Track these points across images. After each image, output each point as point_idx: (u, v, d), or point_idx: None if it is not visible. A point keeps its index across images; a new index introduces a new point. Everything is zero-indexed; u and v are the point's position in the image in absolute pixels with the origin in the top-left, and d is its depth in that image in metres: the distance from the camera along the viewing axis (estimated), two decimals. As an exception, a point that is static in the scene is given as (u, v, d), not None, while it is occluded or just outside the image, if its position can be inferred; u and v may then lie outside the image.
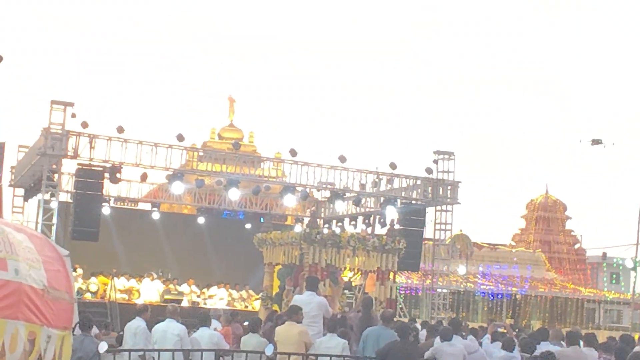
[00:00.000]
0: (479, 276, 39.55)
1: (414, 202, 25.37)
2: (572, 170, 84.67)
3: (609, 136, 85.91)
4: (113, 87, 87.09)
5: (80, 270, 25.41)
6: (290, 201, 24.48)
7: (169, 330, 12.56)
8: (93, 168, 22.07)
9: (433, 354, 12.61)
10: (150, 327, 12.99)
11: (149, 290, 25.70)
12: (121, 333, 14.04)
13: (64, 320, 5.23)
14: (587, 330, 23.14)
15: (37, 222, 23.24)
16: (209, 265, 28.73)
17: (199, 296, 26.69)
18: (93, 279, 25.75)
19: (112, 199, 28.07)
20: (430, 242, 28.27)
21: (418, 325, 17.30)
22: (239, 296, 27.09)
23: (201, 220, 29.55)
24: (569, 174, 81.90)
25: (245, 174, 25.08)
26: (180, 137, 22.74)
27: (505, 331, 17.67)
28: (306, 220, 28.54)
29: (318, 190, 26.57)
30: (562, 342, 14.07)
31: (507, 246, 44.83)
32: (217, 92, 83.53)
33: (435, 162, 25.99)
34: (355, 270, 21.30)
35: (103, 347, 10.39)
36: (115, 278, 25.54)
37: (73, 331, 5.63)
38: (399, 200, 25.00)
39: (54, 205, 23.05)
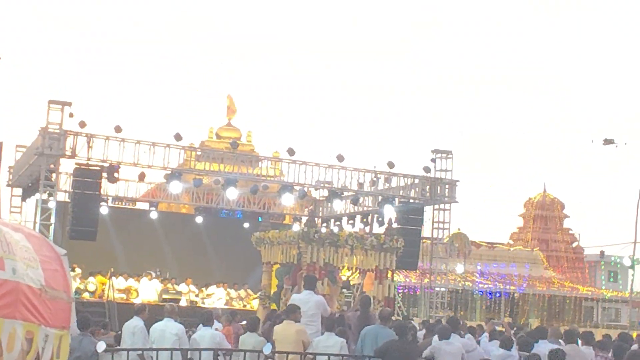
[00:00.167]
0: (477, 275, 39.57)
1: (411, 200, 25.37)
2: (570, 170, 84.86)
3: (609, 136, 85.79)
4: (111, 86, 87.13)
5: (78, 270, 25.40)
6: (288, 200, 24.49)
7: (167, 329, 12.57)
8: (91, 167, 22.05)
9: (431, 352, 12.63)
10: (148, 326, 13.00)
11: (147, 290, 25.70)
12: (119, 332, 14.04)
13: (62, 319, 5.23)
14: (585, 328, 23.16)
15: (34, 222, 23.22)
16: (207, 265, 28.73)
17: (197, 295, 26.69)
18: (91, 278, 25.75)
19: (110, 199, 28.08)
20: (428, 241, 28.28)
21: (415, 324, 17.32)
22: (237, 295, 27.09)
23: (199, 219, 29.56)
24: (567, 173, 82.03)
25: (243, 173, 25.07)
26: (178, 137, 22.73)
27: (503, 329, 17.69)
28: (304, 219, 28.57)
29: (316, 190, 26.58)
30: (560, 341, 14.09)
31: (505, 245, 44.87)
32: (216, 91, 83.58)
33: (433, 160, 25.99)
34: (354, 269, 21.30)
35: (101, 346, 10.40)
36: (113, 278, 25.54)
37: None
38: (396, 199, 25.00)
39: (51, 205, 23.04)
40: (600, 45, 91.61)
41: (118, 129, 22.05)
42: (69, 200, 23.96)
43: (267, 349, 11.54)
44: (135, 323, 13.03)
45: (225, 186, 23.79)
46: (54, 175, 23.41)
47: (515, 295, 40.08)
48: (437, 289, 29.80)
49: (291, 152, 23.59)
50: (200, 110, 76.62)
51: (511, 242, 46.54)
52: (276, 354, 11.99)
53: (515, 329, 20.33)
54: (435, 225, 27.34)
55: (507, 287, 39.43)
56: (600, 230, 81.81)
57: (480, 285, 38.94)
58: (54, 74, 79.89)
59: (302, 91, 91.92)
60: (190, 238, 29.38)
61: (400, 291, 34.90)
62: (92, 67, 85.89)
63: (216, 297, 26.63)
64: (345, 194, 25.54)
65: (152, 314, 14.27)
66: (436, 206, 26.83)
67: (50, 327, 5.05)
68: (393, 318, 14.66)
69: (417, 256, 25.37)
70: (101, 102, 73.68)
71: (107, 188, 25.49)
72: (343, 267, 19.95)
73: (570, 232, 47.10)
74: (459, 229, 37.83)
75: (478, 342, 14.70)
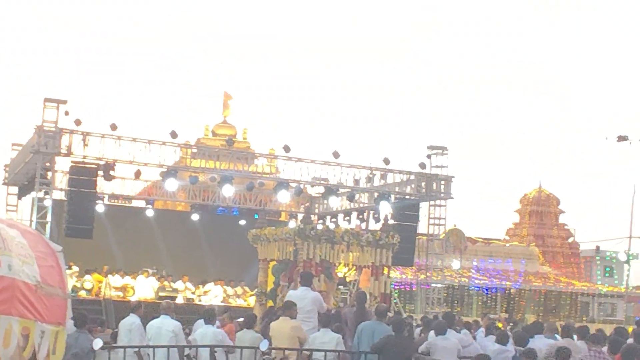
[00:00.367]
0: (473, 271, 39.63)
1: (407, 197, 25.41)
2: (569, 169, 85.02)
3: (609, 136, 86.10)
4: (106, 85, 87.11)
5: (75, 268, 25.41)
6: (284, 197, 24.50)
7: (164, 326, 12.59)
8: (87, 165, 22.06)
9: (427, 348, 12.67)
10: (144, 323, 13.02)
11: (144, 287, 25.69)
12: (116, 330, 14.06)
13: (58, 315, 5.24)
14: (581, 324, 23.23)
15: (31, 220, 23.21)
16: (203, 262, 28.72)
17: (193, 292, 26.70)
18: (87, 276, 25.73)
19: (106, 197, 28.07)
20: (424, 237, 28.33)
21: (412, 321, 17.37)
22: (233, 292, 27.10)
23: (195, 217, 29.56)
24: (563, 171, 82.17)
25: (239, 170, 25.08)
26: (173, 134, 22.75)
27: (500, 325, 17.76)
28: (300, 216, 28.58)
29: (312, 186, 26.61)
30: (557, 335, 14.15)
31: (501, 240, 44.94)
32: (213, 91, 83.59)
33: (429, 157, 26.03)
34: (350, 266, 21.32)
35: (98, 343, 10.41)
36: (109, 275, 25.54)
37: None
38: (392, 196, 25.04)
39: (47, 203, 23.03)
40: (600, 45, 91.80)
41: (114, 127, 22.06)
42: (65, 199, 23.95)
43: (263, 346, 11.56)
44: (131, 320, 13.05)
45: (221, 183, 23.80)
46: (49, 173, 23.40)
47: (511, 290, 40.17)
48: (434, 285, 29.87)
49: (287, 149, 23.61)
50: (196, 109, 76.70)
51: (507, 237, 46.61)
52: (273, 350, 12.02)
53: (511, 324, 20.42)
54: (431, 221, 27.40)
55: (503, 282, 39.51)
56: (596, 226, 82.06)
57: (476, 281, 39.02)
58: (49, 72, 79.94)
59: (302, 91, 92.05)
60: (187, 235, 29.36)
61: (396, 288, 34.95)
62: (90, 66, 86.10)
63: (213, 295, 26.64)
64: (341, 190, 25.57)
65: (148, 311, 14.29)
66: (432, 202, 26.87)
67: (46, 323, 5.07)
68: (389, 314, 14.71)
69: (413, 252, 25.40)
70: (96, 100, 73.65)
71: (102, 186, 25.50)
72: (339, 263, 19.97)
73: (565, 227, 47.18)
74: (454, 225, 37.91)
75: (474, 338, 14.74)
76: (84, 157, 21.99)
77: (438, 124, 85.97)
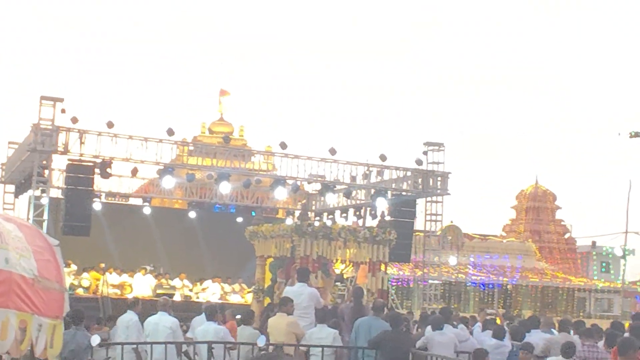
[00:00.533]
0: (470, 267, 39.69)
1: (404, 193, 25.43)
2: (568, 169, 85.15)
3: (609, 136, 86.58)
4: (103, 82, 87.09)
5: (74, 267, 25.44)
6: (281, 194, 24.52)
7: (161, 323, 12.61)
8: (83, 163, 22.05)
9: (424, 343, 12.70)
10: (142, 320, 13.04)
11: (141, 285, 25.71)
12: (114, 327, 14.09)
13: (55, 309, 5.26)
14: (578, 319, 23.29)
15: (28, 218, 23.19)
16: (200, 259, 28.73)
17: (191, 290, 26.73)
18: (85, 274, 25.76)
19: (103, 195, 28.07)
20: (421, 234, 28.36)
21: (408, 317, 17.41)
22: (231, 290, 27.12)
23: (192, 214, 29.57)
24: (563, 170, 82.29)
25: (235, 167, 25.10)
26: (170, 132, 22.74)
27: (499, 320, 17.78)
28: (297, 213, 28.60)
29: (309, 183, 26.61)
30: (553, 330, 14.19)
31: (497, 237, 45.00)
32: (213, 90, 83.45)
33: (425, 153, 26.06)
34: (347, 262, 21.36)
35: (95, 340, 10.44)
36: (107, 273, 25.55)
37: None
38: (389, 192, 25.06)
39: (44, 201, 23.02)
40: (600, 45, 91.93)
41: (110, 125, 22.05)
42: (62, 197, 23.95)
43: (261, 341, 11.59)
44: (129, 317, 13.07)
45: (218, 181, 23.80)
46: (46, 171, 23.39)
47: (508, 286, 40.24)
48: (431, 281, 29.90)
49: (283, 145, 23.63)
50: (193, 107, 76.70)
51: (504, 234, 46.66)
52: (270, 346, 12.05)
53: (507, 321, 20.45)
54: (428, 217, 27.43)
55: (500, 278, 39.58)
56: (592, 221, 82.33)
57: (473, 277, 39.08)
58: (46, 71, 79.90)
59: (301, 91, 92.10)
60: (184, 233, 29.37)
61: (393, 284, 34.99)
62: (89, 66, 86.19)
63: (210, 292, 26.66)
64: (338, 187, 25.59)
65: (146, 309, 14.31)
66: (429, 198, 26.90)
67: (43, 316, 5.08)
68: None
69: (410, 248, 25.43)
70: (93, 98, 73.67)
71: (99, 184, 25.50)
72: (336, 260, 20.01)
73: (562, 223, 47.24)
74: (451, 222, 37.95)
75: (471, 333, 14.78)
76: (81, 154, 21.98)
77: (438, 124, 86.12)
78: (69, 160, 22.21)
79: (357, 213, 26.68)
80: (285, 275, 18.13)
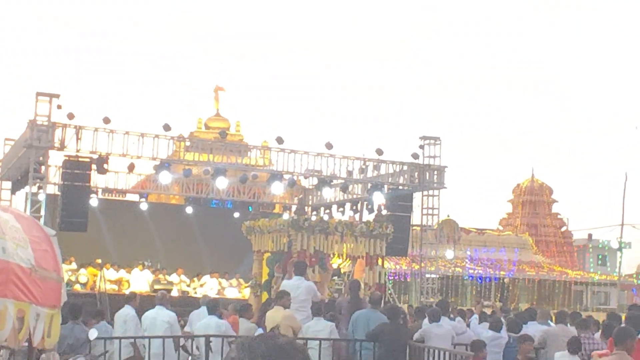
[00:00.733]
0: (467, 260, 39.75)
1: (400, 187, 25.46)
2: (568, 169, 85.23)
3: (609, 136, 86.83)
4: (100, 80, 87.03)
5: (74, 265, 25.50)
6: (277, 189, 24.53)
7: (159, 317, 12.64)
8: (80, 159, 22.04)
9: (422, 335, 12.74)
10: (139, 315, 13.06)
11: (139, 281, 25.74)
12: (111, 322, 14.10)
13: (53, 299, 5.28)
14: (575, 311, 23.35)
15: (24, 215, 23.15)
16: (198, 255, 28.74)
17: (188, 285, 26.75)
18: (82, 270, 25.77)
19: (100, 191, 28.06)
20: (418, 228, 28.38)
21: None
22: (228, 284, 27.16)
23: (189, 210, 29.58)
24: (563, 170, 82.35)
25: (232, 162, 25.09)
26: (166, 127, 22.74)
27: (494, 311, 17.83)
28: (294, 207, 28.61)
29: (305, 178, 26.63)
30: (550, 322, 14.25)
31: (494, 230, 45.06)
32: (211, 88, 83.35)
33: (422, 147, 26.07)
34: (344, 257, 21.37)
35: (93, 334, 10.45)
36: (104, 269, 25.57)
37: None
38: (385, 186, 25.09)
39: (41, 197, 23.01)
40: (600, 45, 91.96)
41: (106, 120, 22.04)
42: (58, 193, 23.93)
43: (258, 335, 11.61)
44: (126, 311, 13.09)
45: (214, 176, 23.80)
46: (43, 167, 23.37)
47: (505, 280, 40.31)
48: (428, 275, 29.93)
49: (280, 140, 23.63)
50: (189, 104, 76.70)
51: (500, 227, 46.73)
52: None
53: (504, 315, 20.50)
54: (425, 211, 27.42)
55: (497, 272, 39.65)
56: (589, 214, 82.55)
57: (470, 271, 39.14)
58: (43, 68, 79.85)
59: (301, 91, 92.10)
60: (181, 228, 29.38)
61: (390, 278, 35.03)
62: (89, 66, 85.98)
63: (208, 287, 26.69)
64: (335, 181, 25.60)
65: (144, 304, 14.33)
66: (425, 192, 26.90)
67: (41, 306, 5.10)
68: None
69: (407, 242, 25.46)
70: (89, 95, 73.65)
71: (96, 180, 25.50)
72: (333, 254, 20.03)
73: (558, 216, 47.32)
74: (448, 216, 38.00)
75: (468, 325, 14.83)
76: (77, 150, 21.97)
77: (437, 124, 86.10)
78: (65, 156, 22.20)
79: (354, 207, 26.70)
80: (283, 270, 18.15)
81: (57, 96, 22.10)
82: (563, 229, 46.88)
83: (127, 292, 23.25)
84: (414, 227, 27.34)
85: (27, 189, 23.66)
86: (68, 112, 21.87)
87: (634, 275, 44.87)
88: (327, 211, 27.52)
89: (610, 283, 42.51)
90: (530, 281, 40.80)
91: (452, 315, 14.43)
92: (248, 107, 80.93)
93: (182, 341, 13.00)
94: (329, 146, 24.03)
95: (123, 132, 22.39)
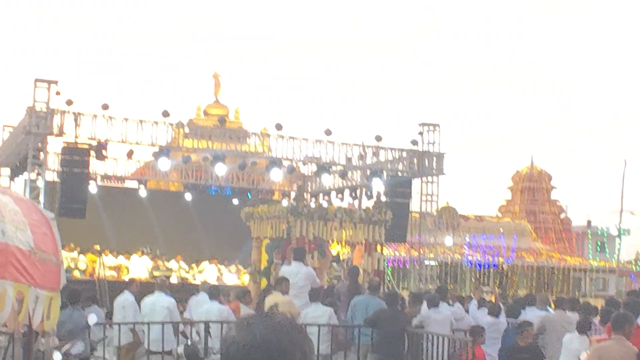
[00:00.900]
0: (466, 247, 39.79)
1: (399, 174, 25.46)
2: (568, 169, 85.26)
3: (609, 136, 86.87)
4: (99, 68, 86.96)
5: (75, 254, 25.51)
6: (276, 175, 24.51)
7: (158, 302, 12.66)
8: (79, 146, 22.02)
9: (420, 321, 12.77)
10: (139, 301, 13.08)
11: (138, 267, 25.78)
12: (111, 309, 14.14)
13: (52, 281, 5.28)
14: (573, 297, 23.40)
15: (23, 201, 23.14)
16: (196, 241, 28.77)
17: (187, 272, 26.79)
18: (81, 256, 25.79)
19: (99, 177, 28.05)
20: (417, 215, 28.37)
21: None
22: (227, 271, 27.20)
23: (188, 196, 29.59)
24: (563, 170, 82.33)
25: (231, 149, 25.07)
26: (165, 113, 22.71)
27: (493, 298, 17.88)
28: (293, 194, 28.62)
29: (304, 164, 26.61)
30: (548, 307, 14.30)
31: (493, 217, 45.10)
32: (210, 84, 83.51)
33: (421, 133, 26.04)
34: (343, 243, 21.41)
35: (93, 319, 10.47)
36: (103, 255, 25.59)
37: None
38: (384, 173, 25.09)
39: (40, 183, 22.98)
40: (600, 45, 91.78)
41: (105, 107, 22.01)
42: (57, 179, 23.92)
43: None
44: (125, 297, 13.11)
45: (213, 163, 23.79)
46: (41, 154, 23.35)
47: (504, 266, 40.35)
48: (427, 262, 29.95)
49: (279, 127, 23.61)
50: (188, 91, 76.61)
51: (499, 214, 46.75)
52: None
53: (503, 302, 20.56)
54: (424, 198, 27.40)
55: (496, 259, 39.70)
56: (587, 201, 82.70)
57: (469, 258, 39.19)
58: (42, 55, 79.79)
59: (302, 91, 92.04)
60: (180, 215, 29.40)
61: (389, 265, 35.07)
62: (88, 66, 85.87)
63: (207, 273, 26.73)
64: (334, 168, 25.59)
65: (142, 291, 14.35)
66: (424, 179, 26.87)
67: (40, 288, 5.11)
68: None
69: (406, 228, 25.46)
70: (88, 81, 73.57)
71: (95, 166, 25.48)
72: (332, 240, 20.07)
73: (557, 203, 47.34)
74: (447, 203, 38.01)
75: (467, 311, 14.86)
76: (76, 137, 21.93)
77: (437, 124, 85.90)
78: (64, 142, 22.17)
79: (353, 194, 26.72)
80: (282, 256, 18.19)
81: (56, 82, 22.05)
82: (562, 215, 46.91)
83: (126, 278, 23.31)
84: (413, 214, 27.34)
85: (26, 175, 23.64)
86: (67, 99, 21.85)
87: (633, 262, 44.93)
88: (326, 198, 27.54)
89: (609, 270, 42.57)
90: (529, 268, 40.86)
91: (450, 302, 14.45)
92: (247, 107, 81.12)
93: (181, 327, 13.03)
94: (327, 132, 24.01)
95: (122, 118, 22.36)
